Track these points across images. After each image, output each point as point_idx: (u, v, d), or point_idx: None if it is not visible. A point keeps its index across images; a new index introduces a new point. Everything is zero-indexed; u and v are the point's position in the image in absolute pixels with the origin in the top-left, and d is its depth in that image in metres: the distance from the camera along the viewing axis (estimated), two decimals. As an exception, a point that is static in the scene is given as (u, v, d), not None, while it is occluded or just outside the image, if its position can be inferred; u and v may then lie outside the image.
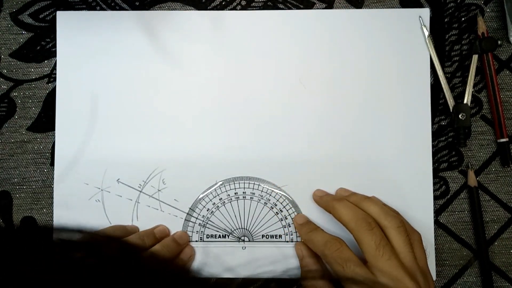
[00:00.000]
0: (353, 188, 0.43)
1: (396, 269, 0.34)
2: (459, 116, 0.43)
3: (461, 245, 0.43)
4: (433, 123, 0.44)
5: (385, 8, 0.45)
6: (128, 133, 0.44)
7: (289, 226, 0.43)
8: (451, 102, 0.44)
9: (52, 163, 0.44)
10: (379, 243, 0.35)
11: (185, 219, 0.43)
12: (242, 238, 0.43)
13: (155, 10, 0.45)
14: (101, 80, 0.44)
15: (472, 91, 0.44)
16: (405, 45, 0.44)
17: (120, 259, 0.27)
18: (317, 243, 0.38)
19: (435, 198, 0.44)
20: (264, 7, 0.45)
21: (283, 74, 0.44)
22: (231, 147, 0.44)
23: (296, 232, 0.43)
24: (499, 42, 0.44)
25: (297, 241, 0.43)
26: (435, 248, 0.43)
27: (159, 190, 0.44)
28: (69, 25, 0.45)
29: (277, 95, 0.44)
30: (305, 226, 0.42)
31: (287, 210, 0.43)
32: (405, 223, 0.38)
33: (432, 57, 0.44)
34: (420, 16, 0.44)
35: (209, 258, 0.43)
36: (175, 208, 0.43)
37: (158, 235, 0.42)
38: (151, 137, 0.44)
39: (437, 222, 0.44)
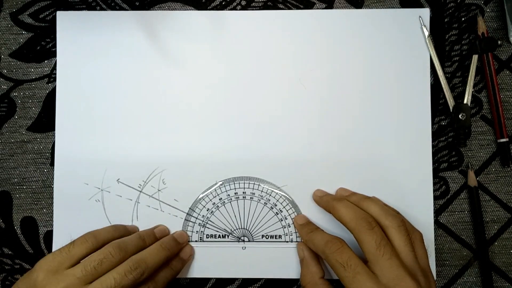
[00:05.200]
0: (353, 188, 0.43)
1: (397, 269, 0.34)
2: (459, 116, 0.43)
3: (461, 245, 0.43)
4: (433, 123, 0.44)
5: (385, 8, 0.45)
6: (128, 133, 0.44)
7: (289, 226, 0.43)
8: (451, 102, 0.44)
9: (52, 163, 0.44)
10: (379, 243, 0.35)
11: (185, 219, 0.43)
12: (242, 238, 0.43)
13: (155, 10, 0.45)
14: (101, 80, 0.44)
15: (472, 91, 0.44)
16: (405, 45, 0.44)
17: None
18: (318, 243, 0.38)
19: (435, 198, 0.44)
20: (264, 7, 0.45)
21: (283, 74, 0.44)
22: (231, 147, 0.44)
23: (296, 232, 0.43)
24: (499, 42, 0.44)
25: (297, 241, 0.43)
26: (435, 248, 0.43)
27: (159, 190, 0.44)
28: (69, 25, 0.45)
29: (277, 95, 0.44)
30: (306, 226, 0.41)
31: (287, 210, 0.43)
32: (405, 222, 0.38)
33: (432, 57, 0.44)
34: (420, 16, 0.44)
35: (209, 258, 0.43)
36: (175, 208, 0.43)
37: (158, 234, 0.42)
38: (151, 137, 0.44)
39: (437, 222, 0.44)
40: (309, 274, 0.40)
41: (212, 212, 0.43)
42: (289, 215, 0.43)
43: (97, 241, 0.38)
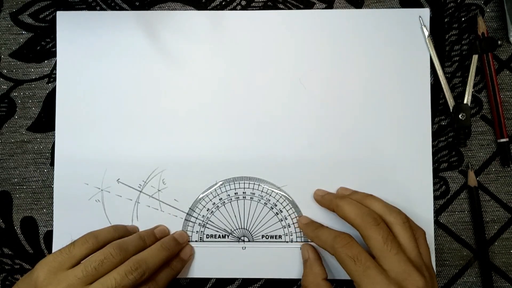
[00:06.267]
0: (353, 188, 0.43)
1: (405, 263, 0.34)
2: (459, 116, 0.43)
3: (461, 245, 0.43)
4: (433, 123, 0.44)
5: (385, 8, 0.45)
6: (128, 133, 0.44)
7: (289, 227, 0.43)
8: (451, 102, 0.44)
9: (52, 163, 0.44)
10: (386, 238, 0.35)
11: (185, 219, 0.43)
12: (242, 238, 0.43)
13: (155, 10, 0.45)
14: (101, 80, 0.44)
15: (472, 91, 0.44)
16: (405, 45, 0.44)
17: None
18: (326, 239, 0.38)
19: (435, 198, 0.44)
20: (264, 7, 0.45)
21: (283, 74, 0.44)
22: (231, 147, 0.44)
23: (296, 232, 0.43)
24: (499, 42, 0.44)
25: (297, 242, 0.43)
26: (435, 248, 0.43)
27: (159, 190, 0.44)
28: (69, 25, 0.45)
29: (277, 95, 0.44)
30: (311, 225, 0.42)
31: (287, 211, 0.43)
32: (409, 219, 0.38)
33: (432, 57, 0.44)
34: (420, 16, 0.44)
35: (209, 258, 0.43)
36: (175, 208, 0.43)
37: (158, 235, 0.42)
38: (151, 137, 0.44)
39: (437, 222, 0.44)
40: (312, 275, 0.40)
41: (212, 212, 0.43)
42: (289, 215, 0.43)
43: (98, 241, 0.38)
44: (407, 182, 0.43)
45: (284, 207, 0.43)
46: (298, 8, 0.45)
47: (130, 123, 0.44)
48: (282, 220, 0.43)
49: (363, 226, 0.37)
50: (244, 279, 0.43)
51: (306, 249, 0.42)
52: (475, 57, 0.44)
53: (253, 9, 0.45)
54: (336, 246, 0.36)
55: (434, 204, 0.43)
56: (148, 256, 0.38)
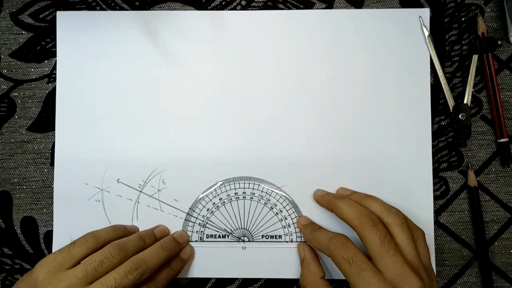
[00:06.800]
0: (353, 188, 0.43)
1: (401, 265, 0.34)
2: (459, 116, 0.43)
3: (461, 245, 0.43)
4: (433, 123, 0.44)
5: (385, 8, 0.45)
6: (128, 133, 0.44)
7: (289, 227, 0.43)
8: (451, 102, 0.44)
9: (52, 163, 0.44)
10: (383, 239, 0.35)
11: (185, 219, 0.43)
12: (242, 238, 0.43)
13: (155, 10, 0.45)
14: (101, 80, 0.44)
15: (472, 91, 0.44)
16: (405, 45, 0.44)
17: None
18: (322, 241, 0.38)
19: (435, 198, 0.44)
20: (264, 7, 0.45)
21: (283, 74, 0.44)
22: (231, 147, 0.44)
23: (296, 232, 0.43)
24: (499, 42, 0.44)
25: (297, 242, 0.43)
26: (435, 248, 0.43)
27: (159, 190, 0.44)
28: (69, 25, 0.45)
29: (277, 95, 0.44)
30: (309, 226, 0.42)
31: (287, 211, 0.43)
32: (408, 220, 0.38)
33: (432, 57, 0.44)
34: (420, 16, 0.44)
35: (209, 258, 0.43)
36: (175, 208, 0.43)
37: (158, 235, 0.42)
38: (151, 137, 0.44)
39: (437, 222, 0.44)
40: (310, 274, 0.40)
41: (212, 212, 0.43)
42: (289, 215, 0.43)
43: (97, 241, 0.38)
44: (407, 182, 0.43)
45: (284, 207, 0.43)
46: (298, 8, 0.45)
47: (130, 123, 0.44)
48: (282, 220, 0.43)
49: (361, 227, 0.36)
50: (244, 279, 0.43)
51: (302, 248, 0.42)
52: (475, 57, 0.44)
53: (253, 9, 0.45)
54: (331, 248, 0.36)
55: (434, 204, 0.43)
56: (148, 256, 0.38)
